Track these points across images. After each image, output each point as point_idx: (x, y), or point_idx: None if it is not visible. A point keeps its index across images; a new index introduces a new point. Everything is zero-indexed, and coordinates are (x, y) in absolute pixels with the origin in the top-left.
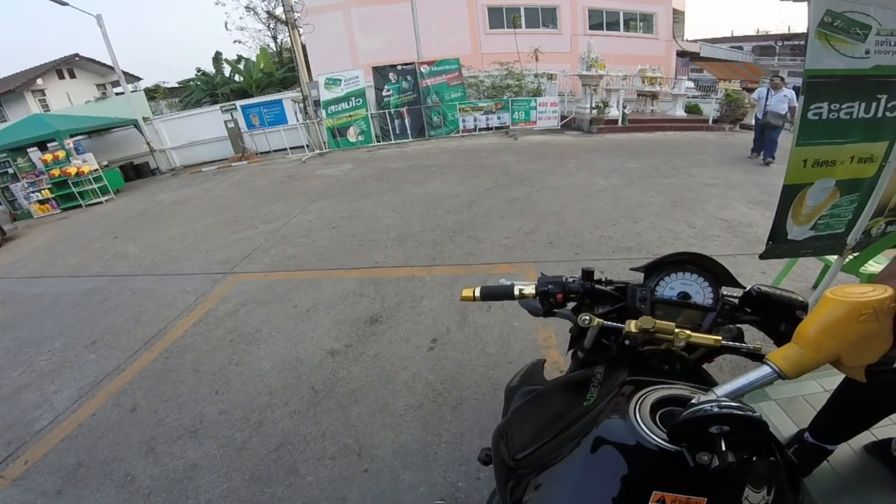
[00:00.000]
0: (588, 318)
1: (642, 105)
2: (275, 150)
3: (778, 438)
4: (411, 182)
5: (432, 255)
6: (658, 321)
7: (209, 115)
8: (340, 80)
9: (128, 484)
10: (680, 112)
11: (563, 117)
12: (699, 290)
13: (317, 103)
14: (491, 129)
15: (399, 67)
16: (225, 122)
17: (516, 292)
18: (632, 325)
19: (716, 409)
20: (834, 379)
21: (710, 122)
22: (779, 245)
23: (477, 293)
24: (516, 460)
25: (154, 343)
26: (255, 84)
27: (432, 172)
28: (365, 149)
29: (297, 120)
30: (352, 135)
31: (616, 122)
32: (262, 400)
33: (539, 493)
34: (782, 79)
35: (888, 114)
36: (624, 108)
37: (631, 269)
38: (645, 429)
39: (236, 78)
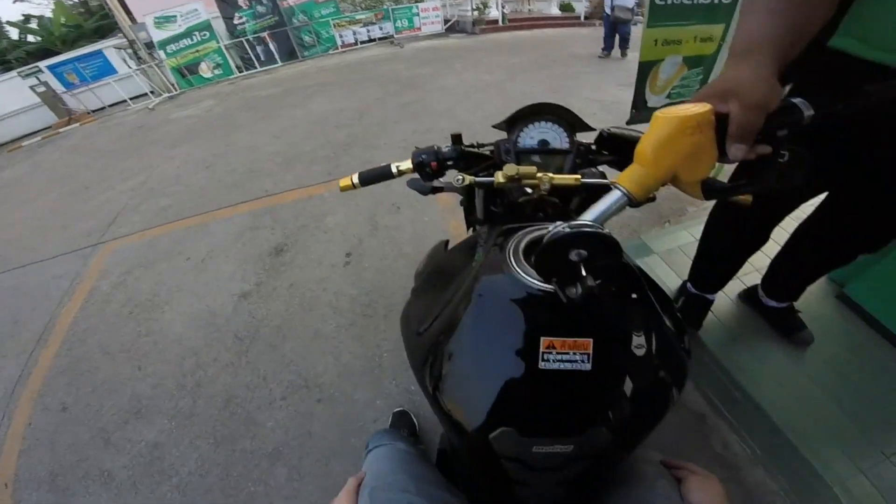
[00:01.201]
0: (461, 177)
1: (520, 5)
2: (111, 105)
3: (661, 286)
4: (289, 106)
5: (328, 171)
6: (521, 167)
7: (7, 84)
8: (175, 17)
9: (109, 480)
10: (555, 10)
11: (446, 21)
12: (556, 137)
13: (150, 45)
14: (374, 40)
15: None
16: (32, 87)
17: (394, 170)
18: (499, 176)
19: (566, 230)
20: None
21: (582, 18)
22: (640, 112)
23: (355, 180)
24: (420, 334)
25: (47, 339)
26: (59, 40)
27: (313, 92)
28: (226, 82)
29: (130, 67)
30: (205, 70)
31: (497, 22)
32: (190, 362)
33: (451, 363)
34: None
35: (723, 0)
36: (503, 8)
37: (492, 126)
38: (520, 273)
39: (30, 39)
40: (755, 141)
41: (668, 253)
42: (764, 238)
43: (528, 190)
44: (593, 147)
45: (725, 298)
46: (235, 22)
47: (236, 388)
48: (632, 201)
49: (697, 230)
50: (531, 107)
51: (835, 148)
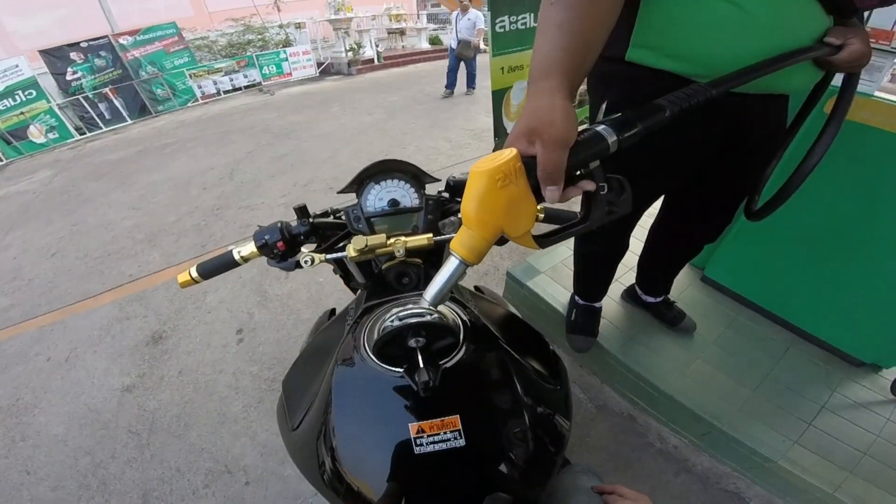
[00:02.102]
0: (308, 258)
1: (393, 42)
2: None
3: (553, 305)
4: (146, 170)
5: (200, 243)
6: (370, 237)
7: None
8: None
9: None
10: (425, 44)
11: (319, 64)
12: (405, 194)
13: None
14: (240, 89)
15: (84, 45)
16: None
17: (237, 257)
18: (350, 250)
19: (395, 323)
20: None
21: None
22: (503, 139)
23: (194, 274)
24: (294, 430)
25: None
26: None
27: (173, 151)
28: (65, 146)
29: None
30: (36, 134)
31: (372, 60)
32: (85, 462)
33: (330, 459)
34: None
35: None
36: (377, 46)
37: (338, 193)
38: (373, 361)
39: None
40: (575, 177)
41: (554, 270)
42: (624, 245)
43: (396, 252)
44: (445, 196)
45: (612, 302)
46: (69, 78)
47: (149, 482)
48: (469, 265)
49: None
50: (374, 166)
51: (652, 160)
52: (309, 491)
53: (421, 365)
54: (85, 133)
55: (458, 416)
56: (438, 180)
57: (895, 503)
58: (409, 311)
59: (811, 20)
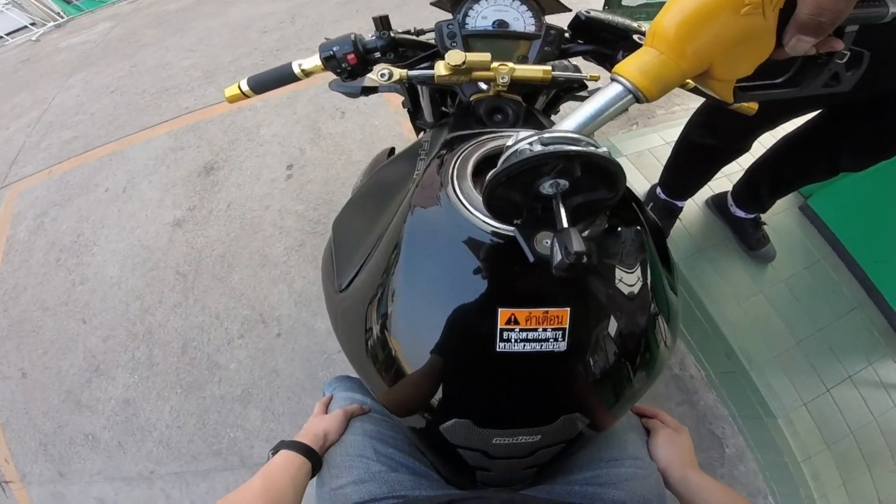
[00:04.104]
0: (387, 71)
1: None
2: None
3: (636, 195)
4: (204, 16)
5: None
6: (470, 54)
7: None
8: None
9: (95, 443)
10: None
11: None
12: (518, 17)
13: None
14: None
15: None
16: None
17: (296, 70)
18: (441, 67)
19: (538, 148)
20: (674, 131)
21: None
22: (615, 10)
23: (245, 87)
24: (341, 291)
25: None
26: None
27: None
28: (124, 1)
29: None
30: None
31: None
32: (135, 308)
33: (381, 336)
34: None
35: None
36: None
37: (431, 3)
38: (466, 207)
39: None
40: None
41: (637, 156)
42: (747, 146)
43: (483, 86)
44: (567, 34)
45: (693, 205)
46: None
47: (190, 330)
48: (640, 100)
49: (667, 133)
50: None
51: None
52: (334, 348)
53: (565, 224)
54: None
55: (567, 309)
56: (568, 10)
57: (837, 485)
58: (557, 136)
59: None
